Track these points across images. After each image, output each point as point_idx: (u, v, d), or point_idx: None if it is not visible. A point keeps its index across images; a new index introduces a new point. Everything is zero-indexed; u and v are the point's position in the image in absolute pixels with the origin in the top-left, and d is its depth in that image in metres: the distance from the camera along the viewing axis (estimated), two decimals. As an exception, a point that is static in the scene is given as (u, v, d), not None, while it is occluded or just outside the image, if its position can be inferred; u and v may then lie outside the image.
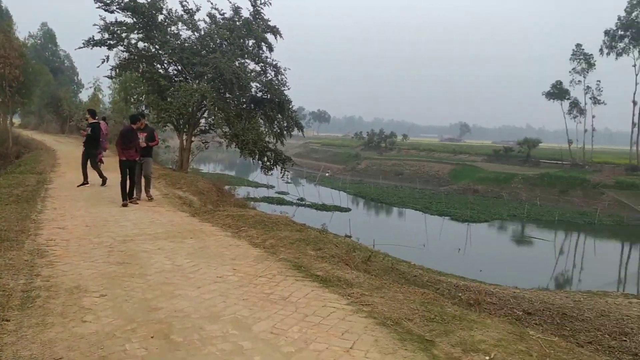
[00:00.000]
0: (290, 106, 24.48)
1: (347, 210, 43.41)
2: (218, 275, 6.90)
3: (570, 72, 65.88)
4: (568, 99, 67.23)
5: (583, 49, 65.04)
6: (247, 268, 7.34)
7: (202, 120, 25.18)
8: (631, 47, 61.16)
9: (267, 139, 24.24)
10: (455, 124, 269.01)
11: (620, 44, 61.73)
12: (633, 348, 8.95)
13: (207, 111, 23.63)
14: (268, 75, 23.95)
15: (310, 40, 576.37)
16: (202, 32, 23.35)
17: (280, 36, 23.83)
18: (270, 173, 25.89)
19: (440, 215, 42.49)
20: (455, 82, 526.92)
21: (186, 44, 22.96)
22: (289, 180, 57.49)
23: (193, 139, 24.48)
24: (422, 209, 45.60)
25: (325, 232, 13.41)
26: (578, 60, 65.24)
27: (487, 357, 4.58)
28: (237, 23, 23.24)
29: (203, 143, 26.53)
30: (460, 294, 11.20)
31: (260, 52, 23.81)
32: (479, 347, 4.73)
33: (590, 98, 65.36)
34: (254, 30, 23.03)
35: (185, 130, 23.68)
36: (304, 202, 45.43)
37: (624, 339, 9.55)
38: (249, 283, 6.61)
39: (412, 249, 27.23)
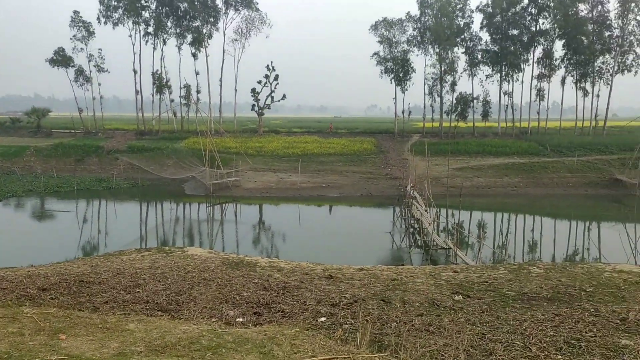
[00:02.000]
0: None
1: None
2: None
3: (71, 39, 65.01)
4: (73, 66, 66.29)
5: (81, 17, 64.95)
6: None
7: None
8: (125, 18, 64.25)
9: None
10: None
11: (115, 14, 64.10)
12: (145, 297, 9.69)
13: None
14: None
15: None
16: None
17: None
18: None
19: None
20: None
21: None
22: None
23: None
24: None
25: None
26: (78, 28, 64.86)
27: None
28: None
29: None
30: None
31: None
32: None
33: (94, 66, 66.22)
34: None
35: None
36: None
37: (138, 290, 10.25)
38: None
39: None
